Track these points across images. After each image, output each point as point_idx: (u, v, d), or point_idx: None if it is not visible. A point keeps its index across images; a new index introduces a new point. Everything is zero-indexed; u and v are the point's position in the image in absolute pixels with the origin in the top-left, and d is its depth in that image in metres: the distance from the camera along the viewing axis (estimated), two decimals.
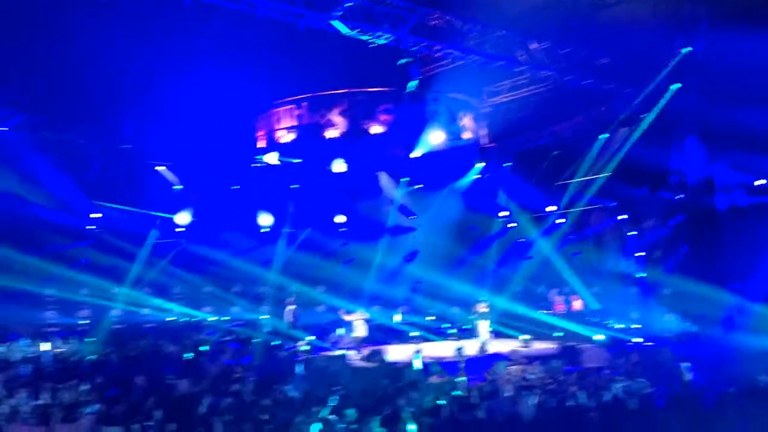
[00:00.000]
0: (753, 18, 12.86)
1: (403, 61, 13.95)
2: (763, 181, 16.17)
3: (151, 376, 11.90)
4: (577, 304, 20.31)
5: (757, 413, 9.24)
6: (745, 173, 16.28)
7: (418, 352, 14.84)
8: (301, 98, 20.69)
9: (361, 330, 18.03)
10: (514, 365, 13.87)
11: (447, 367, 13.88)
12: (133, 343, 17.90)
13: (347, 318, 18.52)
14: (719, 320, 14.98)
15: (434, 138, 19.61)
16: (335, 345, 17.64)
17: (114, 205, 19.85)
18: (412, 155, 19.72)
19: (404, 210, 22.50)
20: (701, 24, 14.55)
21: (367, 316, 18.47)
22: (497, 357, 15.07)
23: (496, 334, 18.94)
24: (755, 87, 13.61)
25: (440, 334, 19.78)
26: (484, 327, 17.99)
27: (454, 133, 20.60)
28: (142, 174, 20.31)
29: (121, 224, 20.07)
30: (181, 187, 20.96)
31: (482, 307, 18.20)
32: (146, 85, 18.44)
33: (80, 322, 20.95)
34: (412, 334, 19.21)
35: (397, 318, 19.81)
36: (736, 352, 13.82)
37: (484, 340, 16.98)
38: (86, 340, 17.42)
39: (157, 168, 20.65)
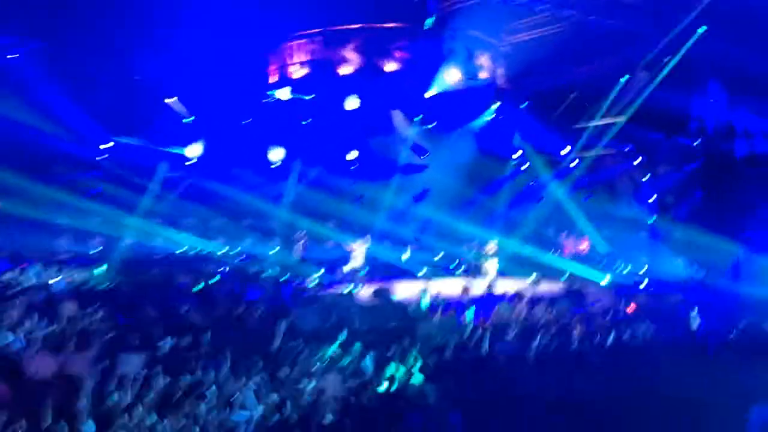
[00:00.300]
0: None
1: None
2: None
3: (161, 305, 12.13)
4: (584, 247, 20.36)
5: (758, 360, 9.34)
6: (765, 119, 15.94)
7: (425, 290, 15.00)
8: (315, 33, 20.21)
9: (359, 259, 18.15)
10: (520, 305, 14.00)
11: (454, 306, 14.06)
12: (144, 272, 18.21)
13: (349, 248, 18.71)
14: (727, 269, 14.98)
15: (450, 77, 19.23)
16: (344, 280, 17.84)
17: (125, 139, 19.78)
18: (427, 94, 19.39)
19: (417, 148, 22.32)
20: None
21: (367, 244, 18.54)
22: (504, 297, 15.22)
23: (504, 274, 19.11)
24: None
25: (448, 273, 19.97)
26: (492, 266, 18.18)
27: (470, 73, 20.16)
28: (153, 106, 20.14)
29: (131, 156, 20.05)
30: (192, 119, 20.80)
31: (491, 248, 18.33)
32: (158, 16, 18.09)
33: (92, 251, 21.28)
34: (420, 273, 19.41)
35: (406, 256, 19.91)
36: (742, 300, 13.90)
37: (491, 280, 17.11)
38: (98, 268, 17.68)
39: (167, 100, 20.46)
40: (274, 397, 7.22)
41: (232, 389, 7.53)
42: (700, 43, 15.22)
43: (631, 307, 12.85)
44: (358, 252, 18.19)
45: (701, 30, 14.90)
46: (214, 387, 7.41)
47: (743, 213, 15.44)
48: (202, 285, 15.50)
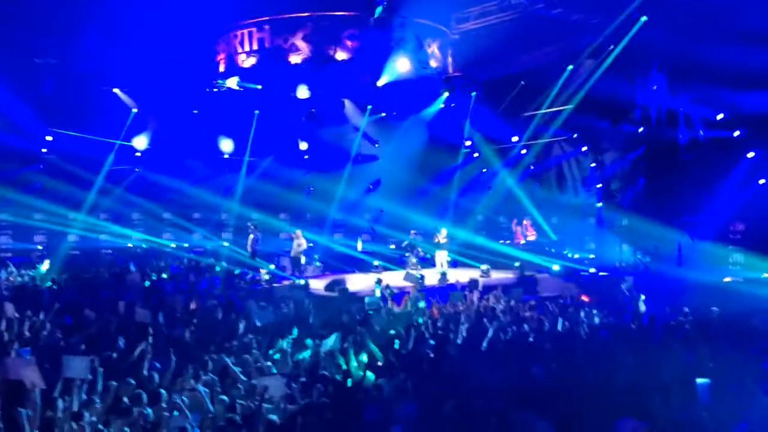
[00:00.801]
0: None
1: None
2: (722, 116, 16.35)
3: (108, 304, 11.81)
4: (532, 234, 20.70)
5: (702, 343, 9.66)
6: (707, 108, 16.43)
7: (379, 281, 15.03)
8: (264, 21, 19.88)
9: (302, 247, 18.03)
10: (472, 294, 14.16)
11: (406, 296, 14.12)
12: (91, 269, 17.73)
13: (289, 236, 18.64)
14: (671, 254, 15.45)
15: (400, 65, 19.20)
16: (296, 273, 17.74)
17: (68, 132, 19.10)
18: (378, 83, 19.31)
19: (368, 138, 22.27)
20: None
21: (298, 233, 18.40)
22: (456, 286, 15.36)
23: (456, 264, 19.31)
24: (721, 23, 13.56)
25: (401, 264, 20.06)
26: (442, 257, 18.32)
27: (420, 61, 20.16)
28: (98, 97, 19.49)
29: (75, 149, 19.38)
30: (136, 110, 20.21)
31: (441, 237, 18.45)
32: (104, 2, 17.54)
33: (36, 248, 20.61)
34: (374, 263, 19.45)
35: (359, 246, 19.91)
36: (686, 285, 14.36)
37: (443, 270, 17.25)
38: (42, 266, 17.12)
39: (114, 90, 19.84)
40: (224, 398, 7.10)
41: (182, 390, 7.38)
42: (642, 32, 15.55)
43: (585, 297, 13.11)
44: (299, 242, 18.03)
45: (643, 19, 15.22)
46: (163, 390, 7.24)
47: (685, 199, 15.93)
48: (150, 282, 15.16)
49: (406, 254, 19.32)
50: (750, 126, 15.74)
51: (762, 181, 15.69)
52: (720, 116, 16.34)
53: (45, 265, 17.02)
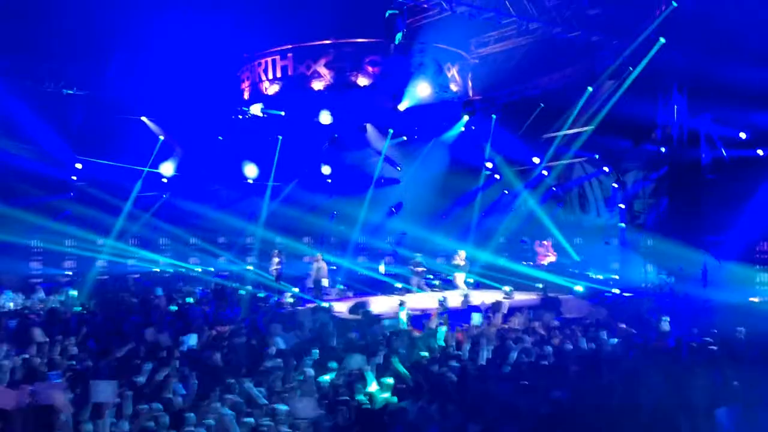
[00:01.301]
0: None
1: (389, 12, 13.68)
2: (745, 135, 16.26)
3: (135, 329, 12.02)
4: (553, 256, 20.63)
5: (729, 363, 9.54)
6: (730, 127, 16.35)
7: (402, 303, 15.06)
8: (287, 49, 20.31)
9: (323, 272, 18.10)
10: (496, 316, 14.13)
11: (427, 318, 14.13)
12: (119, 294, 18.02)
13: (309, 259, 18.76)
14: (696, 275, 15.28)
15: (421, 90, 19.43)
16: (320, 296, 17.84)
17: (97, 160, 19.60)
18: (400, 107, 19.55)
19: (390, 162, 22.47)
20: None
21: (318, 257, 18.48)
22: (480, 308, 15.33)
23: (478, 286, 19.30)
24: (739, 42, 13.57)
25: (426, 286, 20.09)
26: (460, 279, 18.33)
27: (441, 85, 20.42)
28: (125, 125, 20.01)
29: (104, 176, 19.87)
30: (163, 138, 20.67)
31: (459, 259, 18.47)
32: (128, 32, 18.06)
33: (65, 273, 21.01)
34: (396, 285, 19.50)
35: (382, 269, 19.98)
36: (711, 306, 14.20)
37: (466, 292, 17.22)
38: (72, 291, 17.45)
39: (141, 119, 20.34)
40: (250, 420, 7.20)
41: (207, 413, 7.50)
42: (661, 53, 15.60)
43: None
44: (319, 265, 18.16)
45: (662, 41, 15.28)
46: (191, 414, 7.37)
47: (709, 219, 15.80)
48: (176, 306, 15.38)
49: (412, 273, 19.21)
50: None
51: None
52: (743, 135, 16.24)
53: (74, 291, 17.33)
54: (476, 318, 13.38)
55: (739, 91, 13.85)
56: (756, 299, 15.87)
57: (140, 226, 21.73)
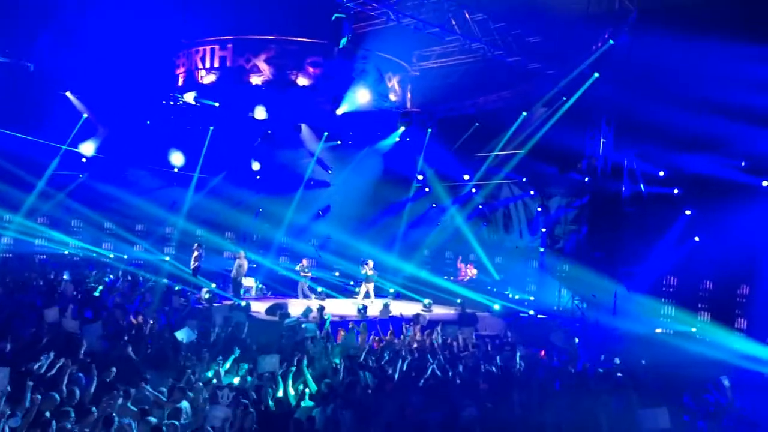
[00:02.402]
0: (676, 21, 13.36)
1: (336, 16, 13.58)
2: (663, 173, 17.05)
3: (39, 311, 11.38)
4: (473, 272, 20.97)
5: (632, 391, 9.94)
6: (650, 164, 17.11)
7: (321, 308, 14.94)
8: (227, 39, 19.86)
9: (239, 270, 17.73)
10: (414, 328, 14.20)
11: (347, 326, 14.06)
12: (23, 274, 17.07)
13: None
14: (607, 303, 15.87)
15: (360, 96, 19.41)
16: (241, 295, 17.46)
17: (12, 133, 18.45)
18: (337, 111, 19.44)
19: (322, 164, 22.30)
20: (629, 18, 14.98)
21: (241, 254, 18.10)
22: (399, 319, 15.38)
23: (399, 296, 19.39)
24: (668, 85, 14.24)
25: (345, 292, 20.02)
26: (369, 288, 18.32)
27: (380, 94, 20.47)
28: (48, 99, 18.95)
29: (19, 149, 18.71)
30: (87, 116, 19.71)
31: (367, 269, 18.45)
32: (64, 3, 17.20)
33: None
34: (318, 290, 19.34)
35: (299, 267, 19.53)
36: (619, 334, 14.79)
37: (386, 302, 17.23)
38: None
39: (66, 93, 19.32)
40: (152, 419, 6.89)
41: (108, 408, 7.14)
42: (595, 86, 16.19)
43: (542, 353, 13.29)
44: (241, 262, 17.76)
45: (596, 75, 15.86)
46: (92, 407, 6.99)
47: (624, 250, 16.46)
48: (84, 293, 14.67)
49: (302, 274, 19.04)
50: (689, 185, 16.47)
51: (697, 239, 16.36)
52: (662, 173, 17.03)
53: None
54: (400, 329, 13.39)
55: (663, 131, 14.53)
56: (660, 330, 16.67)
57: (53, 206, 20.59)
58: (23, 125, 18.67)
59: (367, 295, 18.30)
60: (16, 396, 6.84)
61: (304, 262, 19.44)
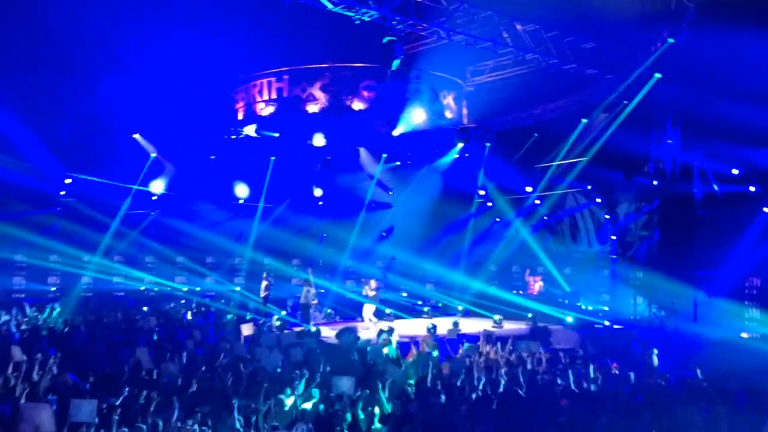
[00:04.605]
0: (736, 14, 12.90)
1: (387, 39, 13.73)
2: (737, 171, 16.38)
3: (121, 348, 11.78)
4: (539, 285, 20.53)
5: (719, 401, 9.45)
6: (722, 163, 16.48)
7: (391, 330, 14.89)
8: (283, 71, 20.35)
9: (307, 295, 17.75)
10: (485, 346, 13.97)
11: (418, 347, 13.96)
12: (103, 312, 17.72)
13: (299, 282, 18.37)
14: (686, 309, 15.26)
15: (416, 116, 19.49)
16: (307, 320, 17.61)
17: (86, 177, 19.40)
18: (394, 133, 19.58)
19: (382, 186, 22.44)
20: (687, 15, 14.54)
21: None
22: (468, 337, 15.19)
23: (468, 314, 19.17)
24: (734, 80, 13.73)
25: (414, 312, 19.94)
26: (369, 310, 17.78)
27: (436, 112, 20.50)
28: (118, 141, 19.88)
29: (93, 192, 19.66)
30: (155, 155, 20.54)
31: (368, 290, 17.92)
32: (124, 49, 18.01)
33: (51, 289, 20.71)
34: (386, 311, 19.32)
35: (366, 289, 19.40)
36: (702, 341, 14.14)
37: (455, 320, 17.05)
38: (55, 307, 17.15)
39: (134, 136, 20.22)
40: None
41: None
42: (656, 87, 15.75)
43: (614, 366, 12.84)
44: (308, 288, 17.83)
45: (657, 76, 15.42)
46: None
47: (700, 254, 15.83)
48: (162, 326, 15.11)
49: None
50: (766, 181, 15.75)
51: None
52: (735, 171, 16.35)
53: (58, 308, 17.03)
54: (467, 348, 13.19)
55: (733, 127, 13.99)
56: (745, 335, 15.84)
57: (127, 244, 21.47)
58: (96, 169, 19.65)
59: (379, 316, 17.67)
60: (104, 429, 7.08)
61: (372, 283, 18.45)
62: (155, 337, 13.54)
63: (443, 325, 16.70)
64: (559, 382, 10.77)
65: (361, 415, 8.88)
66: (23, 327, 14.06)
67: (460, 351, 13.57)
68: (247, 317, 17.25)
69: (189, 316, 17.46)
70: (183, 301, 20.33)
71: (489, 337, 14.50)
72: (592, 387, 10.80)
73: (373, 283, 18.02)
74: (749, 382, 10.57)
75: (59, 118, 19.22)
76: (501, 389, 9.98)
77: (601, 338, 16.03)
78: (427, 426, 8.33)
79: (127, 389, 8.56)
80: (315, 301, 17.75)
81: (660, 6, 14.85)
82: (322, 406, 9.20)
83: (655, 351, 13.26)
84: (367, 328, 16.27)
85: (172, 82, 18.89)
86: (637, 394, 10.21)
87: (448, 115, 21.34)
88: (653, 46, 15.26)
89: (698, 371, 11.85)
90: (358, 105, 20.12)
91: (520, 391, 10.06)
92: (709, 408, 9.21)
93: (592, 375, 11.39)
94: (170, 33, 17.54)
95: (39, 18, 16.58)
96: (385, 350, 12.79)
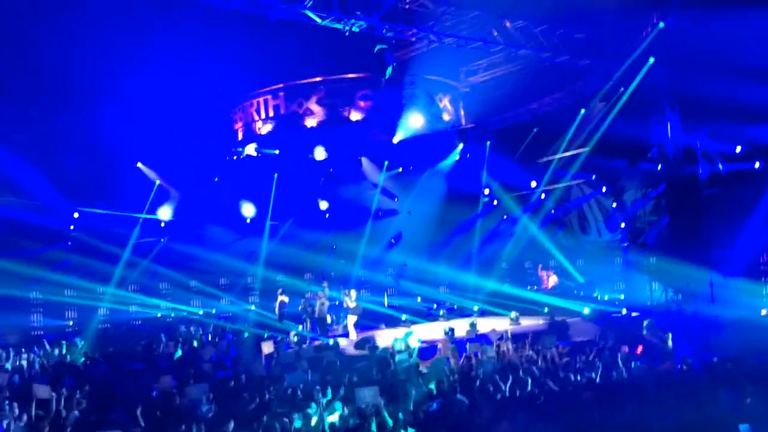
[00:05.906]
0: None
1: (378, 47, 13.81)
2: (739, 149, 16.33)
3: (140, 378, 11.84)
4: (554, 279, 20.45)
5: (744, 381, 9.40)
6: (724, 142, 16.43)
7: (407, 334, 14.88)
8: (278, 88, 20.47)
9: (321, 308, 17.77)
10: (504, 344, 13.94)
11: (438, 350, 13.97)
12: (122, 342, 17.79)
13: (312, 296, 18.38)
14: (703, 292, 15.18)
15: (414, 121, 19.54)
16: (327, 333, 17.65)
17: (93, 210, 19.54)
18: (394, 140, 19.63)
19: (387, 194, 22.47)
20: None
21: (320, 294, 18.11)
22: (487, 337, 15.16)
23: (484, 313, 19.13)
24: (728, 57, 13.70)
25: (429, 316, 19.92)
26: (350, 321, 17.65)
27: (433, 115, 20.57)
28: (121, 172, 20.01)
29: (101, 224, 19.78)
30: (159, 182, 20.66)
31: (349, 301, 17.77)
32: (120, 78, 18.16)
33: (69, 323, 20.83)
34: (402, 317, 19.33)
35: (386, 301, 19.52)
36: (722, 322, 14.06)
37: (473, 321, 17.04)
38: (79, 341, 17.21)
39: (137, 165, 20.35)
40: None
41: None
42: (651, 72, 15.74)
43: (639, 349, 12.76)
44: (322, 301, 17.86)
45: (651, 61, 15.42)
46: None
47: (711, 235, 15.77)
48: (182, 352, 15.18)
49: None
50: None
51: None
52: (738, 149, 16.30)
53: (78, 342, 17.09)
54: (486, 348, 13.16)
55: (731, 105, 13.95)
56: (765, 311, 15.73)
57: (140, 272, 21.55)
58: (103, 201, 19.77)
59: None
60: None
61: (353, 294, 18.02)
62: (177, 364, 13.57)
63: (460, 327, 16.69)
64: (579, 376, 10.75)
65: (390, 423, 8.89)
66: (45, 364, 14.11)
67: (481, 352, 13.54)
68: (265, 335, 17.27)
69: (208, 338, 17.50)
70: (199, 325, 20.39)
71: (506, 335, 14.48)
72: (615, 376, 10.78)
73: (353, 294, 17.92)
74: None
75: (62, 152, 19.36)
76: (528, 388, 9.96)
77: (619, 327, 15.97)
78: (451, 428, 8.34)
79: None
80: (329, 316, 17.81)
81: None
82: (351, 421, 9.20)
83: (670, 335, 13.20)
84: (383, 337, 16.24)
85: (170, 108, 19.02)
86: (663, 379, 10.18)
87: (446, 117, 21.42)
88: (644, 31, 15.29)
89: (720, 353, 11.80)
90: (355, 115, 20.22)
91: (546, 387, 10.05)
92: (734, 389, 9.17)
93: (620, 364, 11.35)
94: (164, 60, 17.68)
95: (35, 52, 16.73)
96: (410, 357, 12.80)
